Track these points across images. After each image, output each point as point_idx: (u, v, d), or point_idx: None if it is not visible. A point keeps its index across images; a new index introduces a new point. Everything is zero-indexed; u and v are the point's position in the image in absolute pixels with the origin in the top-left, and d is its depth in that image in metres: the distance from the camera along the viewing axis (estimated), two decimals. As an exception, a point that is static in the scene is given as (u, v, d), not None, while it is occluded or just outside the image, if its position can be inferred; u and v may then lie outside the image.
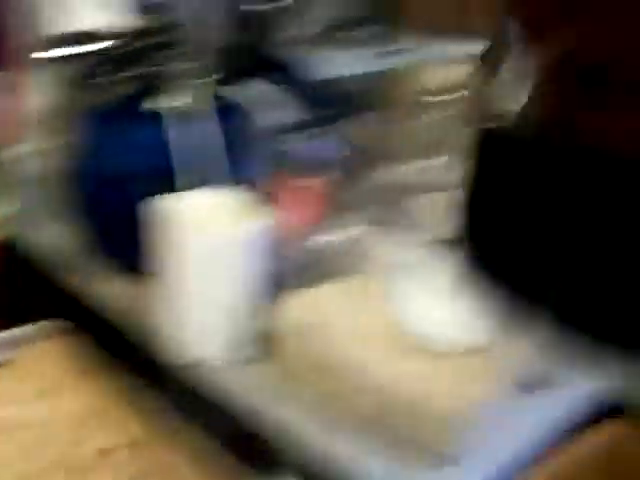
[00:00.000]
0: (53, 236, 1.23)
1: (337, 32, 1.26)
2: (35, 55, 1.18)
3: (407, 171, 1.15)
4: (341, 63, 1.21)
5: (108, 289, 1.11)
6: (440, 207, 1.15)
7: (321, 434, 0.86)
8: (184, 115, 1.05)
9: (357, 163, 1.11)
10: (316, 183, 1.02)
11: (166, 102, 1.08)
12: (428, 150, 1.20)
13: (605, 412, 0.93)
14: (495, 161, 0.98)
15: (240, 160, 1.09)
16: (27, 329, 1.19)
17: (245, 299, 0.97)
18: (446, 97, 1.27)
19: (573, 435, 0.91)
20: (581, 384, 0.94)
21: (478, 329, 0.93)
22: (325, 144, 1.11)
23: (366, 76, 1.22)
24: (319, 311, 0.95)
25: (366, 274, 0.98)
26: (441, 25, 1.42)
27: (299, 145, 1.11)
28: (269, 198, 0.99)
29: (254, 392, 0.93)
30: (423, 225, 1.10)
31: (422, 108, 1.25)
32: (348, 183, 1.08)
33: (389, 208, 1.10)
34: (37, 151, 1.25)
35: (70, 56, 1.20)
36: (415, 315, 0.94)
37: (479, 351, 0.91)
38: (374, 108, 1.21)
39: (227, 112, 1.12)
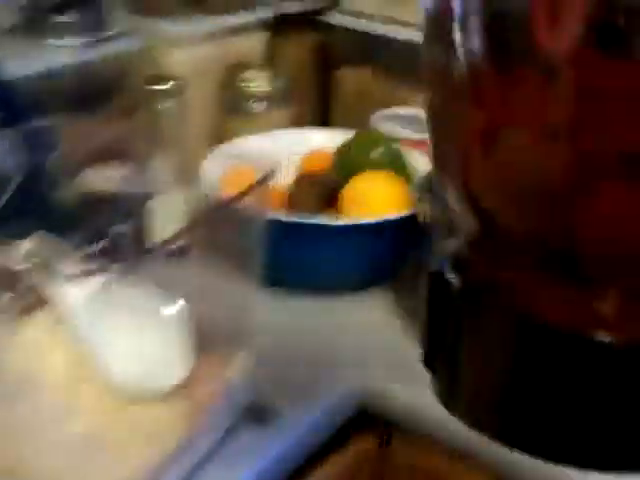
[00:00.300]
0: None
1: (38, 19, 1.09)
2: None
3: (116, 177, 0.99)
4: (38, 56, 1.05)
5: None
6: (162, 215, 1.00)
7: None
8: None
9: (50, 171, 0.95)
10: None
11: None
12: (148, 150, 1.04)
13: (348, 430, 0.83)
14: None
15: None
16: None
17: None
18: (172, 84, 1.12)
19: (310, 463, 0.80)
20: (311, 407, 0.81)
21: (176, 368, 0.79)
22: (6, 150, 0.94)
23: (71, 69, 1.05)
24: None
25: (43, 312, 0.82)
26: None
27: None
28: None
29: None
30: (129, 244, 0.95)
31: (142, 100, 1.09)
32: (32, 198, 0.92)
33: (90, 223, 0.94)
34: None
35: None
36: (101, 358, 0.79)
37: (174, 394, 0.77)
38: (81, 105, 1.05)
39: None
